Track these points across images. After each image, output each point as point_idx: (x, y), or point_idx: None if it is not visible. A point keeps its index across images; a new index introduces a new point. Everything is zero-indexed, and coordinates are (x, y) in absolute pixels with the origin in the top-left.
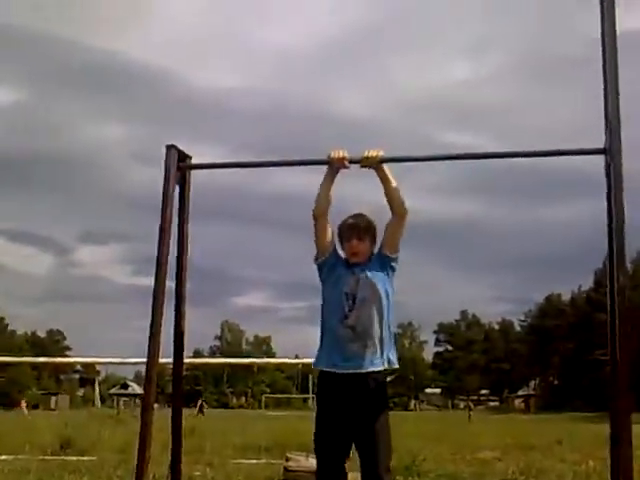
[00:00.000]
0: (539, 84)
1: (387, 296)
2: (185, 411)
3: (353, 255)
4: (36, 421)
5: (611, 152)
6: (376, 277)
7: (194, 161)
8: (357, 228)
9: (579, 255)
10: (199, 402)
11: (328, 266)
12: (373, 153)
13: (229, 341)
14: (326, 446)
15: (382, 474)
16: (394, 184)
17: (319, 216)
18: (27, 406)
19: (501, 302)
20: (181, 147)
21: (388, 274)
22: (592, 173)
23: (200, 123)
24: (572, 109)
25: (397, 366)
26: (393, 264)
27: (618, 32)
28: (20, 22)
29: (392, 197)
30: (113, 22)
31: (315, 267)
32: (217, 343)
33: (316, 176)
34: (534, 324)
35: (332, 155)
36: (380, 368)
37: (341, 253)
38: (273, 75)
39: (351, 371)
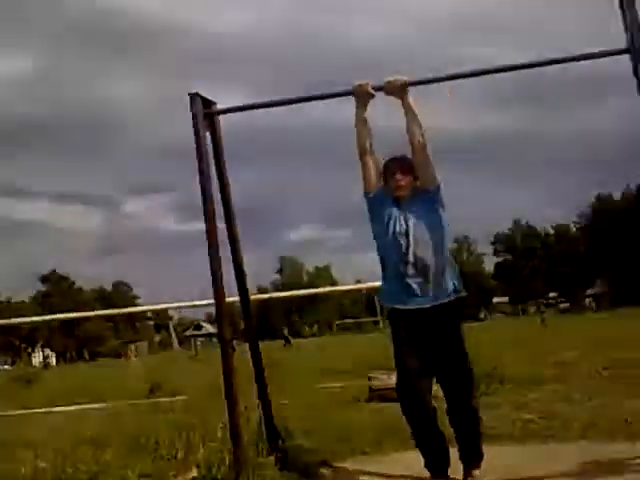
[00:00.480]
0: None
1: (438, 228)
2: (270, 344)
3: (398, 188)
4: (125, 368)
5: (634, 50)
6: (425, 212)
7: (219, 107)
8: (399, 163)
9: (624, 155)
10: (285, 333)
11: (378, 202)
12: (396, 78)
13: (289, 274)
14: (406, 366)
15: (471, 405)
16: (416, 118)
17: (363, 153)
18: (135, 355)
19: (552, 208)
20: (205, 94)
21: (435, 206)
22: (622, 73)
23: (221, 68)
24: (592, 11)
25: (464, 293)
26: (435, 196)
27: None
28: None
29: (411, 131)
30: None
31: (364, 201)
32: (278, 277)
33: (346, 106)
34: (589, 224)
35: (356, 88)
36: (445, 300)
37: (387, 190)
38: (285, 10)
39: (418, 306)
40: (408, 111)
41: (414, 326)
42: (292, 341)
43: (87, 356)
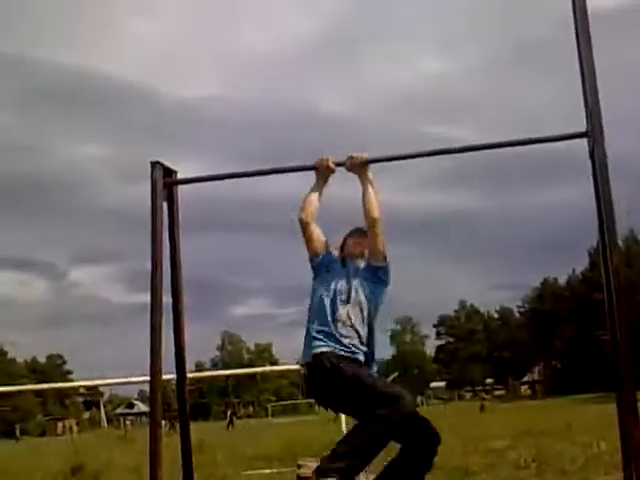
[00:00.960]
0: (516, 70)
1: (376, 299)
2: (213, 425)
3: (356, 244)
4: (44, 448)
5: (593, 135)
6: (369, 280)
7: (180, 175)
8: (361, 231)
9: (571, 237)
10: (229, 414)
11: (325, 263)
12: (357, 155)
13: (230, 352)
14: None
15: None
16: (372, 195)
17: (310, 221)
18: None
19: (498, 290)
20: (166, 161)
21: (375, 282)
22: (577, 155)
23: (183, 135)
24: (552, 93)
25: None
26: (380, 273)
27: (589, 11)
28: None
29: (367, 207)
30: (86, 39)
31: (313, 260)
32: (218, 354)
33: (304, 180)
34: (533, 309)
35: (318, 163)
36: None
37: (335, 253)
38: (250, 81)
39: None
40: (366, 188)
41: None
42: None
43: (17, 433)
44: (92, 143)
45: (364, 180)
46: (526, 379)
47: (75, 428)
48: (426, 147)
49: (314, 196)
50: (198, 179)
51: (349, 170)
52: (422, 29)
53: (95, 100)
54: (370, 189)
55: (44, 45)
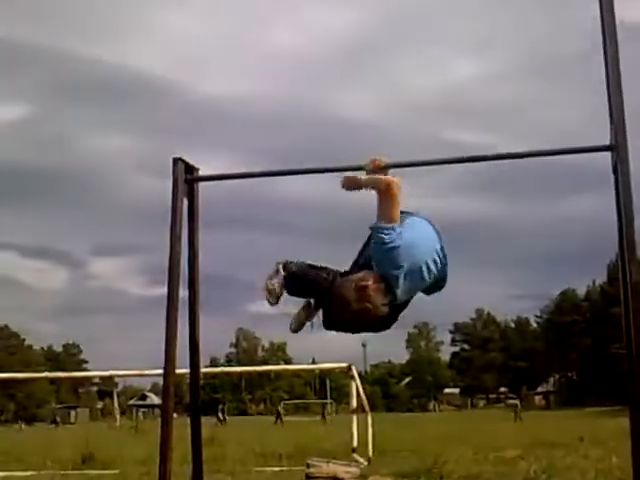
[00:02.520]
0: (545, 80)
1: None
2: (205, 419)
3: None
4: (57, 435)
5: (617, 148)
6: None
7: (202, 171)
8: None
9: (591, 249)
10: (219, 409)
11: None
12: (378, 158)
13: (245, 348)
14: None
15: None
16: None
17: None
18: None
19: (516, 299)
20: (189, 157)
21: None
22: (601, 167)
23: (209, 132)
24: (580, 105)
25: None
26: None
27: (618, 23)
28: (24, 37)
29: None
30: (117, 34)
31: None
32: (233, 350)
33: (322, 181)
34: (550, 320)
35: (343, 181)
36: None
37: None
38: (278, 81)
39: None
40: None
41: None
42: (226, 419)
43: (24, 419)
44: (118, 136)
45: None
46: (540, 389)
47: (87, 417)
48: (450, 154)
49: None
50: (219, 177)
51: (368, 174)
52: (452, 35)
53: (122, 94)
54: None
55: (73, 38)
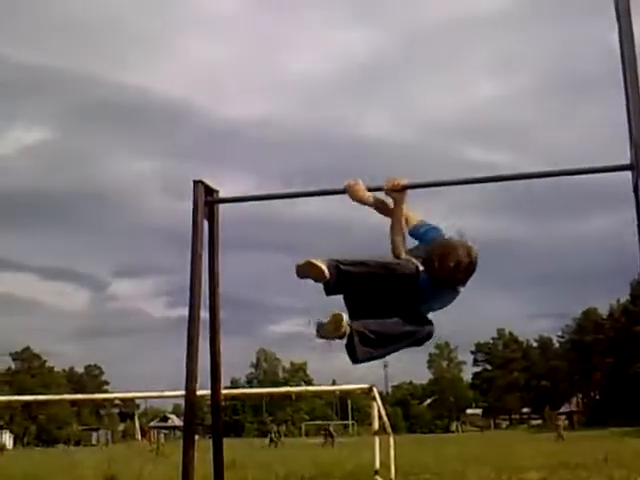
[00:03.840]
0: (565, 100)
1: None
2: (254, 441)
3: None
4: (78, 458)
5: (637, 168)
6: None
7: (222, 193)
8: None
9: (614, 268)
10: (274, 431)
11: None
12: (396, 179)
13: (265, 369)
14: None
15: None
16: (396, 229)
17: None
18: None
19: (538, 319)
20: (210, 179)
21: None
22: (622, 186)
23: (228, 154)
24: (600, 124)
25: None
26: None
27: (637, 44)
28: (45, 62)
29: (391, 237)
30: (137, 58)
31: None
32: (253, 371)
33: (341, 202)
34: (573, 339)
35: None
36: None
37: None
38: (297, 103)
39: None
40: (396, 219)
41: None
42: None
43: (45, 441)
44: (139, 159)
45: (397, 208)
46: (563, 410)
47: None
48: (469, 174)
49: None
50: (239, 199)
51: (387, 194)
52: (471, 56)
53: (144, 117)
54: (398, 222)
55: (95, 62)
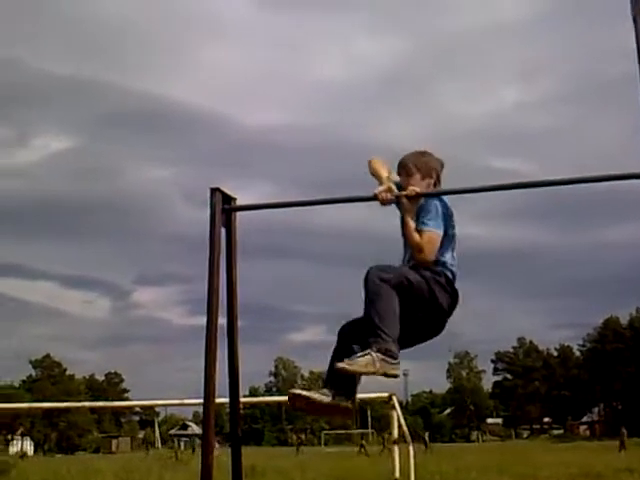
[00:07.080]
0: (589, 107)
1: None
2: (343, 449)
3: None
4: (98, 464)
5: None
6: None
7: (241, 200)
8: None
9: (634, 276)
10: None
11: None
12: (410, 187)
13: (284, 377)
14: None
15: None
16: (409, 225)
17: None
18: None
19: (558, 328)
20: (231, 186)
21: None
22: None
23: (248, 162)
24: (623, 132)
25: None
26: None
27: None
28: (71, 71)
29: (406, 235)
30: (160, 68)
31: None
32: (272, 379)
33: (363, 210)
34: (594, 348)
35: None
36: None
37: None
38: (320, 110)
39: None
40: (407, 220)
41: None
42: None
43: (66, 448)
44: (161, 167)
45: (406, 215)
46: (585, 419)
47: (128, 447)
48: (491, 182)
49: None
50: (256, 206)
51: (408, 197)
52: (495, 63)
53: (165, 125)
54: (409, 222)
55: (119, 71)
